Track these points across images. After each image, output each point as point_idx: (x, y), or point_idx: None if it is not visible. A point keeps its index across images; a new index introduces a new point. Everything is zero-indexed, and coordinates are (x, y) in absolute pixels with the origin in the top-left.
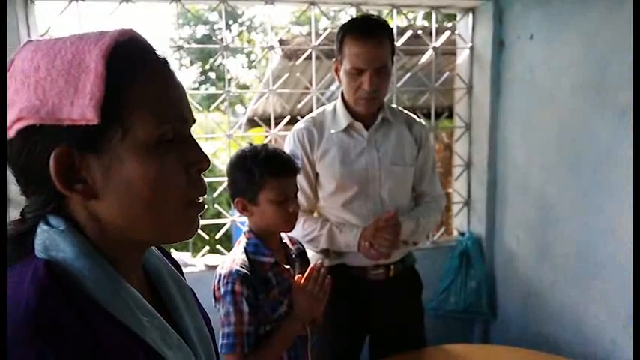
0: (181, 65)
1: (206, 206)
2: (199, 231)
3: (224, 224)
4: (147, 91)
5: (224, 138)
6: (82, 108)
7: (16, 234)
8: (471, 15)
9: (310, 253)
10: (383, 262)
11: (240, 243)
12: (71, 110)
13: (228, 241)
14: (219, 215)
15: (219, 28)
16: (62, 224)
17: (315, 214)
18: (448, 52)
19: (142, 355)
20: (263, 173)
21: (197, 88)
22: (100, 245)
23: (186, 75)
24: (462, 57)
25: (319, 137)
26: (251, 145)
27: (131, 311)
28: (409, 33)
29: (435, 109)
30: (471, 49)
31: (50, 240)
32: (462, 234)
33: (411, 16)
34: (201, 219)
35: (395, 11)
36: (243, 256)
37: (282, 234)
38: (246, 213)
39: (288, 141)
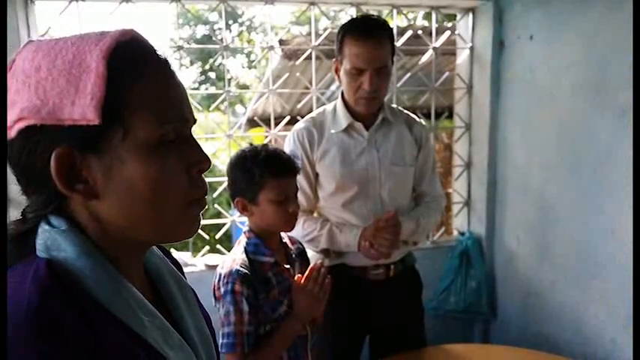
0: (181, 65)
1: (206, 206)
2: (199, 231)
3: (224, 224)
4: (148, 91)
5: (224, 138)
6: (82, 108)
7: (17, 234)
8: (471, 15)
9: (310, 253)
10: (383, 262)
11: (241, 243)
12: (72, 110)
13: (228, 241)
14: (219, 215)
15: (219, 28)
16: (63, 224)
17: (315, 214)
18: (448, 52)
19: (143, 355)
20: (263, 173)
21: (197, 88)
22: (101, 245)
23: (186, 75)
24: (462, 57)
25: (319, 137)
26: (251, 145)
27: (132, 311)
28: (409, 33)
29: (435, 109)
30: (471, 49)
31: (51, 240)
32: (462, 234)
33: (411, 16)
34: (202, 218)
35: (395, 11)
36: (244, 255)
37: (282, 234)
38: (246, 213)
39: (288, 141)
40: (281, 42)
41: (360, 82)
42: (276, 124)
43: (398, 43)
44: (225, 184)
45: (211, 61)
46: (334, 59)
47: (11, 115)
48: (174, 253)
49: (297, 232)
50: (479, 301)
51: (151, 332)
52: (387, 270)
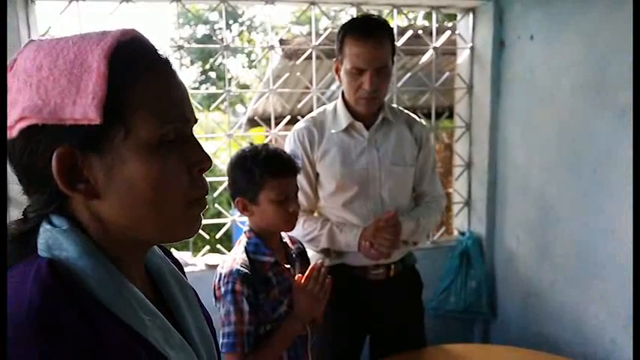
0: (182, 65)
1: (207, 206)
2: (200, 230)
3: (224, 224)
4: (149, 91)
5: (224, 138)
6: (84, 107)
7: (19, 233)
8: (471, 15)
9: (310, 253)
10: (383, 262)
11: (241, 242)
12: (73, 110)
13: (228, 241)
14: (219, 215)
15: (220, 28)
16: (65, 224)
17: (316, 214)
18: (448, 52)
19: (144, 354)
20: (263, 173)
21: (197, 88)
22: (102, 245)
23: (187, 75)
24: (463, 57)
25: (319, 137)
26: (251, 144)
27: (134, 311)
28: (409, 33)
29: (436, 109)
30: (472, 49)
31: (53, 239)
32: (462, 234)
33: (411, 15)
34: (202, 218)
35: (395, 11)
36: (244, 255)
37: (283, 234)
38: (246, 212)
39: (288, 141)
40: (281, 42)
41: (360, 81)
42: (277, 124)
43: (398, 43)
44: (226, 183)
45: (212, 60)
46: (334, 59)
47: (13, 115)
48: (175, 253)
49: (298, 231)
50: (479, 301)
51: (152, 332)
52: (387, 270)
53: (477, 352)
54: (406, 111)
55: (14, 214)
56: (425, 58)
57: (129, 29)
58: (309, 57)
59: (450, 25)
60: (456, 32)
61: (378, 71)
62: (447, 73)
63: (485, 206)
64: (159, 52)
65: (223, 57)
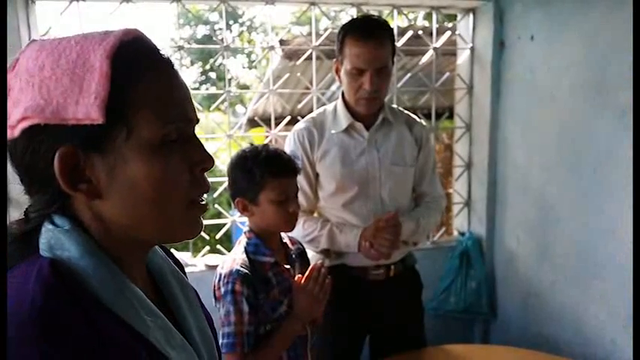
0: (182, 65)
1: (208, 208)
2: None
3: (224, 224)
4: (151, 91)
5: (224, 138)
6: (86, 107)
7: (21, 233)
8: (471, 15)
9: (310, 254)
10: (383, 263)
11: (241, 243)
12: (76, 110)
13: (228, 241)
14: (219, 215)
15: (220, 29)
16: (67, 223)
17: (316, 215)
18: (449, 52)
19: (145, 354)
20: (264, 173)
21: (198, 88)
22: (104, 245)
23: (187, 75)
24: (463, 57)
25: (319, 137)
26: (252, 145)
27: (135, 311)
28: (410, 33)
29: (436, 110)
30: (472, 49)
31: (55, 239)
32: (462, 234)
33: (411, 16)
34: (203, 219)
35: (395, 11)
36: (244, 255)
37: (283, 234)
38: (246, 213)
39: (288, 141)
40: (281, 42)
41: (360, 82)
42: (277, 124)
43: (398, 44)
44: (226, 184)
45: (212, 61)
46: (335, 59)
47: (15, 115)
48: (175, 254)
49: (298, 232)
50: (479, 302)
51: (153, 332)
52: (387, 270)
53: (477, 353)
54: (406, 111)
55: (14, 214)
56: (425, 59)
57: (131, 29)
58: (310, 57)
59: (450, 25)
60: (456, 33)
61: (378, 72)
62: (447, 74)
63: (485, 206)
64: (161, 52)
65: (223, 57)
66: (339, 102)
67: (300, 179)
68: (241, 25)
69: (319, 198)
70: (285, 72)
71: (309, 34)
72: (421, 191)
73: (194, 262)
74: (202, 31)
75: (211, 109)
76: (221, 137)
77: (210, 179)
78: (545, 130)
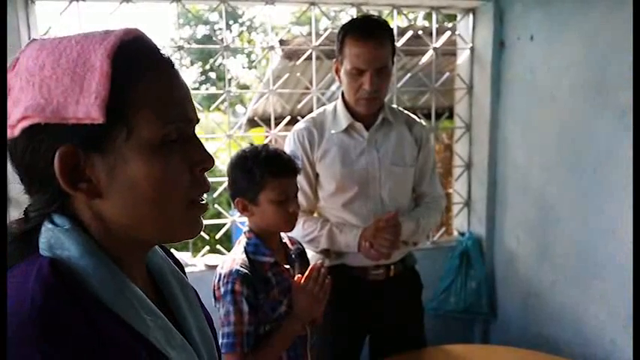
0: (182, 65)
1: (208, 208)
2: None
3: (224, 224)
4: (152, 91)
5: (224, 138)
6: (87, 107)
7: (20, 232)
8: (471, 15)
9: (310, 254)
10: (383, 263)
11: (241, 243)
12: (76, 109)
13: (228, 241)
14: (219, 215)
15: (220, 29)
16: (67, 223)
17: (315, 215)
18: (448, 52)
19: (145, 354)
20: (264, 173)
21: (197, 88)
22: (104, 244)
23: (187, 75)
24: (463, 57)
25: (319, 137)
26: (251, 145)
27: (135, 311)
28: (409, 33)
29: (436, 110)
30: (472, 49)
31: (55, 239)
32: (462, 234)
33: (411, 16)
34: (202, 219)
35: (395, 11)
36: (244, 256)
37: (282, 234)
38: (246, 213)
39: (288, 141)
40: (281, 42)
41: (360, 82)
42: (277, 125)
43: (398, 44)
44: (226, 184)
45: (212, 61)
46: (334, 59)
47: (15, 114)
48: (174, 254)
49: (297, 232)
50: (479, 302)
51: (153, 332)
52: (387, 270)
53: (477, 353)
54: (406, 111)
55: (14, 214)
56: (425, 59)
57: (132, 29)
58: (309, 57)
59: (450, 25)
60: (456, 33)
61: (378, 72)
62: (447, 74)
63: (485, 206)
64: (162, 52)
65: (223, 57)
66: (339, 102)
67: (300, 179)
68: (241, 25)
69: (319, 198)
70: (285, 72)
71: (309, 34)
72: (421, 191)
73: (194, 262)
74: (202, 31)
75: (211, 109)
76: (221, 137)
77: (210, 179)
78: (545, 130)
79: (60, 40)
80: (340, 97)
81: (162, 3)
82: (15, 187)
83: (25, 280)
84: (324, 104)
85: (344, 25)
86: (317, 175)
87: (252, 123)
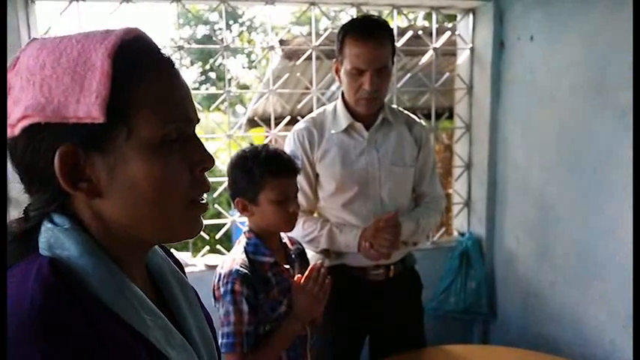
0: (182, 65)
1: (208, 208)
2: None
3: (224, 224)
4: (152, 90)
5: (224, 138)
6: (87, 106)
7: (20, 232)
8: (471, 16)
9: (310, 254)
10: (383, 263)
11: (240, 243)
12: (77, 108)
13: (228, 241)
14: (219, 215)
15: (220, 29)
16: (66, 222)
17: (315, 215)
18: (448, 52)
19: (145, 354)
20: (263, 173)
21: (197, 88)
22: (104, 244)
23: (187, 75)
24: (463, 57)
25: (319, 137)
26: (251, 145)
27: (135, 311)
28: (409, 33)
29: (436, 110)
30: (472, 49)
31: (54, 238)
32: (462, 234)
33: (411, 16)
34: (202, 219)
35: (395, 12)
36: (243, 255)
37: (282, 234)
38: (246, 213)
39: (288, 141)
40: (281, 42)
41: (360, 82)
42: (277, 125)
43: (398, 44)
44: (226, 184)
45: (212, 61)
46: (334, 59)
47: (15, 113)
48: (174, 254)
49: (297, 232)
50: (479, 302)
51: (153, 332)
52: (387, 270)
53: (477, 353)
54: (406, 111)
55: (14, 213)
56: (425, 59)
57: (133, 28)
58: (309, 57)
59: (450, 25)
60: (456, 33)
61: (378, 72)
62: (447, 74)
63: (485, 207)
64: (162, 52)
65: (223, 57)
66: (339, 102)
67: (300, 179)
68: (241, 25)
69: (319, 198)
70: (285, 72)
71: (309, 34)
72: (421, 191)
73: (194, 262)
74: (202, 31)
75: (211, 109)
76: (221, 137)
77: (210, 179)
78: (545, 131)
79: (60, 39)
80: (340, 97)
81: (162, 3)
82: (15, 186)
83: (25, 279)
84: (324, 104)
85: (344, 25)
86: (317, 175)
87: (252, 123)
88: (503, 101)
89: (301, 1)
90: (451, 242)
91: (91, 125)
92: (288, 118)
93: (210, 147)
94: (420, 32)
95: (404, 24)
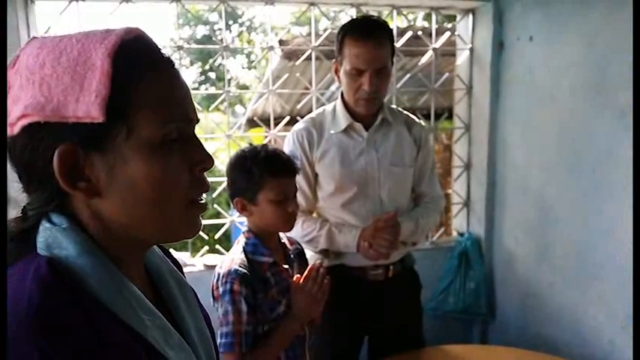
0: (181, 65)
1: (207, 208)
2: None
3: (223, 224)
4: (152, 90)
5: (224, 138)
6: (87, 105)
7: (18, 231)
8: (470, 16)
9: (309, 254)
10: (382, 263)
11: (239, 243)
12: (76, 108)
13: (227, 241)
14: (218, 215)
15: (220, 29)
16: (65, 222)
17: (314, 215)
18: (448, 53)
19: (143, 354)
20: (263, 173)
21: (197, 89)
22: (102, 244)
23: (187, 75)
24: (462, 58)
25: (319, 138)
26: (251, 145)
27: (133, 311)
28: (409, 34)
29: (435, 110)
30: (471, 50)
31: (52, 238)
32: (461, 235)
33: (410, 16)
34: (202, 219)
35: (395, 12)
36: (242, 255)
37: (281, 234)
38: (245, 213)
39: (287, 141)
40: (281, 42)
41: (359, 82)
42: (276, 125)
43: (398, 44)
44: (225, 184)
45: (211, 61)
46: (334, 60)
47: (15, 112)
48: (173, 253)
49: (296, 232)
50: (478, 302)
51: (151, 332)
52: (386, 270)
53: (476, 353)
54: (405, 112)
55: (12, 213)
56: (424, 59)
57: (133, 28)
58: (309, 58)
59: (449, 26)
60: (456, 33)
61: (377, 72)
62: (447, 74)
63: (484, 207)
64: (162, 52)
65: (223, 57)
66: (339, 102)
67: (299, 179)
68: (241, 25)
69: (318, 198)
70: (285, 72)
71: (309, 34)
72: (420, 192)
73: (193, 261)
74: (202, 31)
75: (211, 109)
76: (220, 137)
77: (209, 179)
78: (544, 131)
79: (60, 38)
80: (339, 97)
81: (161, 3)
82: (13, 185)
83: (23, 278)
84: (323, 104)
85: (343, 26)
86: (316, 176)
87: (251, 123)
88: (502, 101)
89: (301, 2)
90: (450, 242)
91: (90, 125)
92: (287, 118)
93: (209, 147)
94: (420, 32)
95: (403, 24)
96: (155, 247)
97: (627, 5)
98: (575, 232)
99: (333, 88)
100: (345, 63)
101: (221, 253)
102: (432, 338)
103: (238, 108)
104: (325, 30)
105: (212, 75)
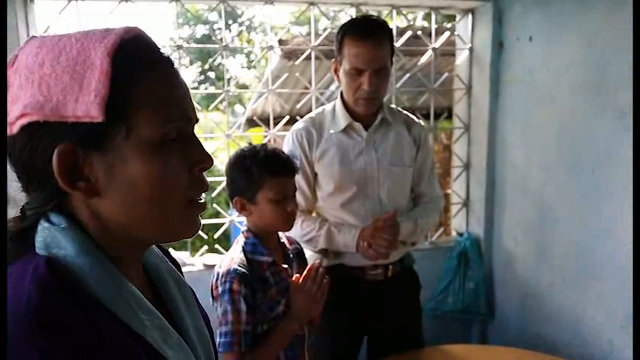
0: (181, 65)
1: (207, 208)
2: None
3: (222, 224)
4: (152, 90)
5: (223, 138)
6: (86, 105)
7: (17, 231)
8: (470, 16)
9: (308, 253)
10: (381, 263)
11: (239, 242)
12: (75, 107)
13: (226, 241)
14: (217, 215)
15: (219, 28)
16: (63, 222)
17: (314, 214)
18: (447, 52)
19: (142, 354)
20: (262, 172)
21: (196, 88)
22: (101, 243)
23: (186, 75)
24: (462, 58)
25: (318, 137)
26: (250, 144)
27: (132, 310)
28: (408, 33)
29: (434, 110)
30: (471, 50)
31: (51, 237)
32: (460, 235)
33: (410, 16)
34: (201, 218)
35: (394, 12)
36: (242, 255)
37: (280, 234)
38: (244, 212)
39: (287, 141)
40: (280, 42)
41: (359, 82)
42: (276, 124)
43: (397, 44)
44: (224, 183)
45: (211, 60)
46: (333, 59)
47: (14, 111)
48: (173, 253)
49: (296, 232)
50: (477, 302)
51: (150, 332)
52: (386, 270)
53: (475, 353)
54: (405, 111)
55: (11, 212)
56: (424, 59)
57: (132, 27)
58: (308, 57)
59: (449, 26)
60: (455, 33)
61: (377, 72)
62: (446, 74)
63: (483, 207)
64: (161, 51)
65: (222, 57)
66: (338, 102)
67: (299, 179)
68: (240, 24)
69: (318, 198)
70: (284, 72)
71: (308, 34)
72: (419, 191)
73: (192, 261)
74: (201, 30)
75: (210, 108)
76: (220, 137)
77: (208, 179)
78: (544, 131)
79: (60, 37)
80: (339, 97)
81: (161, 2)
82: (12, 184)
83: (21, 278)
84: (323, 104)
85: (343, 25)
86: (315, 175)
87: (251, 123)
88: (502, 101)
89: (300, 1)
90: (449, 242)
91: (89, 124)
92: (287, 117)
93: (208, 147)
94: (419, 32)
95: (403, 24)
96: (154, 246)
97: (627, 5)
98: (575, 233)
99: (332, 87)
100: (344, 63)
101: (220, 253)
102: (432, 338)
103: (238, 107)
104: (325, 30)
105: (211, 74)
